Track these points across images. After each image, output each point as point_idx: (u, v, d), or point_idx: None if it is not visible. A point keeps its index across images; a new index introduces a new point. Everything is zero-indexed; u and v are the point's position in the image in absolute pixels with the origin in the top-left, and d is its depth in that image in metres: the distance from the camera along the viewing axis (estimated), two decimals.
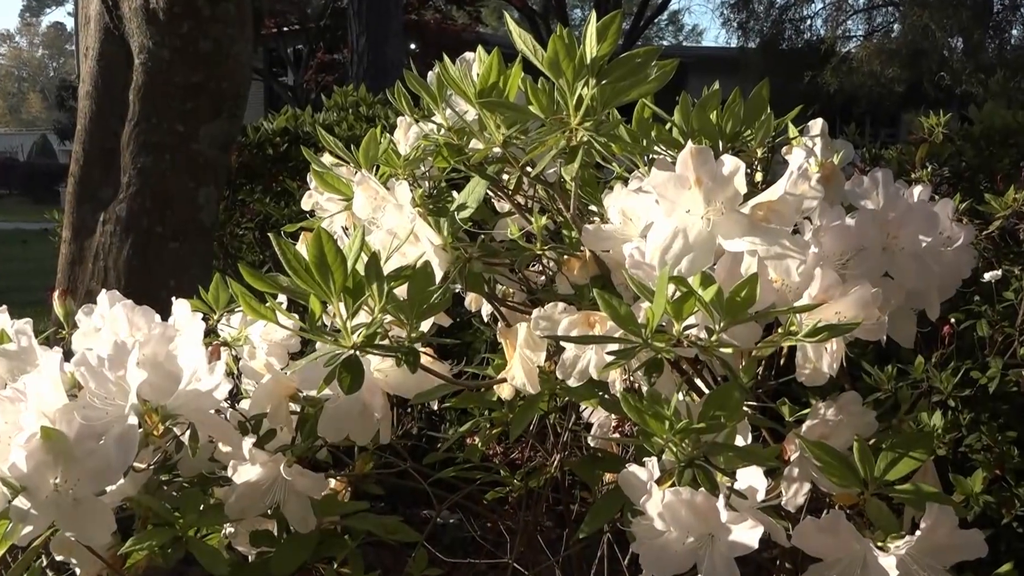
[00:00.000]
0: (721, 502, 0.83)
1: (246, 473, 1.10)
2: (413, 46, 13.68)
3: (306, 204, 1.42)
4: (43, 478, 0.88)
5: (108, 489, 0.95)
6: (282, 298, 1.13)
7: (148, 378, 0.94)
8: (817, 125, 1.25)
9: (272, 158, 3.19)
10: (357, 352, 0.90)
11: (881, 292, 0.92)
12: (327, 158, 1.36)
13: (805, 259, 0.92)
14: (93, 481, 0.90)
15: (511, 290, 1.34)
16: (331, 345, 0.90)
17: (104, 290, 1.14)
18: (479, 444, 1.38)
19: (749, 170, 1.15)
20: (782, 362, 1.10)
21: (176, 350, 1.03)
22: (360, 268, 0.90)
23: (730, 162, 0.86)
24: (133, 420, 0.91)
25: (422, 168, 1.27)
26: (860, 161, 2.53)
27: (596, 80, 0.95)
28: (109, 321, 1.08)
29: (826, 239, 0.96)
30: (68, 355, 1.01)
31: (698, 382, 1.07)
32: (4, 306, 1.19)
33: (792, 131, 1.26)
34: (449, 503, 1.41)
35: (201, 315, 1.16)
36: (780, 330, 0.92)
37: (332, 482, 1.29)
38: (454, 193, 1.20)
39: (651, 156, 1.11)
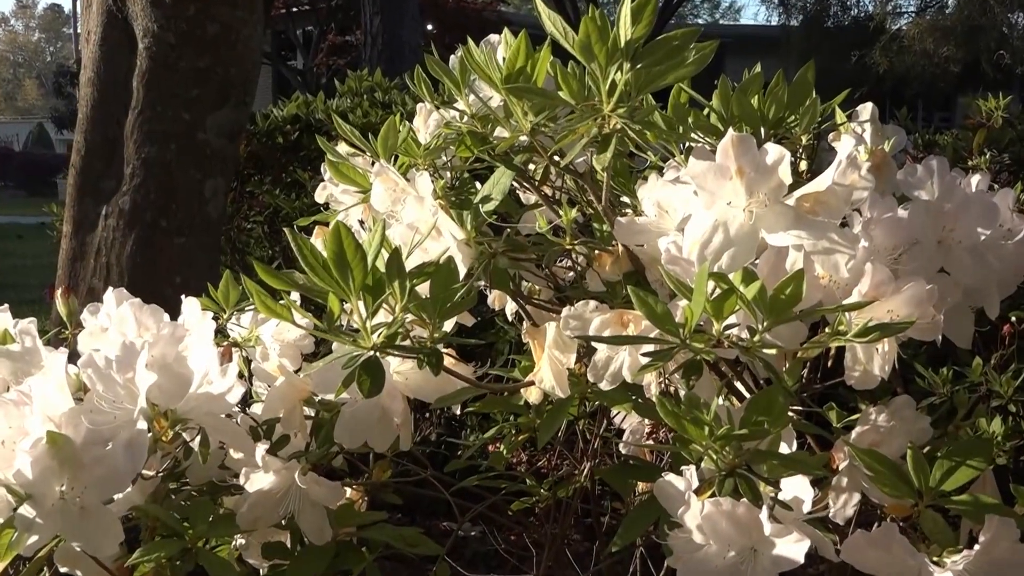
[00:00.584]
0: (764, 513, 0.83)
1: (259, 481, 1.11)
2: (430, 27, 13.71)
3: (320, 196, 1.43)
4: (49, 485, 0.89)
5: (116, 497, 0.96)
6: (294, 296, 1.14)
7: (157, 381, 0.95)
8: (866, 109, 1.25)
9: (282, 147, 3.21)
10: (377, 353, 0.91)
11: (936, 289, 0.92)
12: (342, 147, 1.37)
13: (854, 254, 0.92)
14: (101, 489, 0.91)
15: (537, 287, 1.35)
16: (350, 346, 0.91)
17: (105, 287, 1.15)
18: (504, 451, 1.38)
19: (794, 159, 1.16)
20: (829, 364, 1.10)
21: (186, 351, 1.04)
22: (380, 265, 0.90)
23: (774, 150, 0.86)
24: (142, 425, 0.92)
25: (443, 158, 1.27)
26: (913, 148, 2.52)
27: (630, 64, 0.95)
28: (116, 321, 1.10)
29: (877, 232, 0.96)
30: (73, 356, 1.03)
31: (739, 386, 1.08)
32: (6, 305, 1.21)
33: (839, 116, 1.26)
34: (472, 514, 1.42)
35: (211, 314, 1.17)
36: (827, 330, 0.92)
37: (348, 491, 1.30)
38: (477, 184, 1.21)
39: (688, 144, 1.11)
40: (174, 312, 1.15)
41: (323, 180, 1.40)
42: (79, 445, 0.91)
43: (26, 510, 0.89)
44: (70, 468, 0.90)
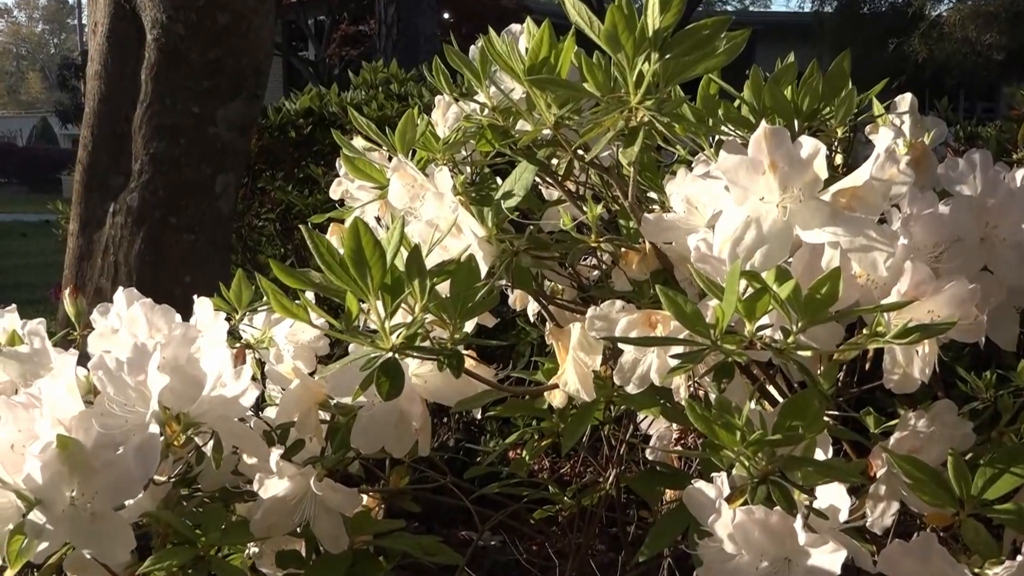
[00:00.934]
0: (799, 522, 0.83)
1: (273, 487, 1.12)
2: (446, 16, 13.73)
3: (335, 192, 1.44)
4: (59, 491, 0.90)
5: (127, 503, 0.98)
6: (309, 295, 1.16)
7: (169, 383, 0.97)
8: (905, 100, 1.25)
9: (295, 142, 3.23)
10: (395, 355, 0.92)
11: (979, 288, 0.92)
12: (358, 142, 1.38)
13: (893, 251, 0.92)
14: (112, 494, 0.93)
15: (560, 287, 1.35)
16: (368, 347, 0.92)
17: (113, 287, 1.17)
18: (526, 457, 1.39)
19: (829, 152, 1.16)
20: (867, 367, 1.10)
21: (198, 353, 1.06)
22: (399, 263, 0.91)
23: (808, 144, 0.87)
24: (154, 428, 0.94)
25: (463, 152, 1.28)
26: (954, 140, 2.50)
27: (659, 54, 0.95)
28: (127, 321, 1.11)
29: (917, 229, 0.96)
30: (81, 358, 1.05)
31: (771, 389, 1.08)
32: (13, 305, 1.23)
33: (877, 107, 1.26)
34: (493, 522, 1.43)
35: (224, 315, 1.18)
36: (865, 331, 0.92)
37: (364, 498, 1.31)
38: (498, 180, 1.22)
39: (718, 137, 1.12)
40: (184, 312, 1.17)
41: (337, 176, 1.41)
42: (90, 449, 0.92)
43: (36, 516, 0.90)
44: (80, 473, 0.91)
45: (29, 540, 0.90)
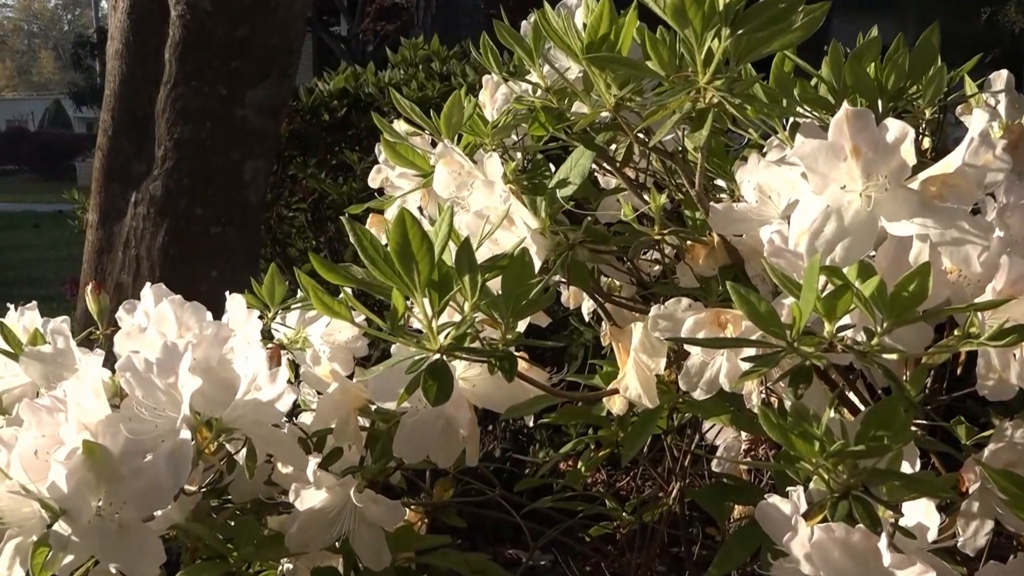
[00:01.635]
0: (884, 541, 0.83)
1: (310, 499, 1.14)
2: None
3: (374, 180, 1.46)
4: (85, 500, 0.92)
5: (156, 514, 1.00)
6: (348, 291, 1.17)
7: (200, 386, 0.98)
8: (1001, 78, 1.24)
9: (328, 125, 3.25)
10: (443, 356, 0.93)
11: None
12: (400, 125, 1.39)
13: (988, 245, 0.92)
14: (140, 504, 0.95)
15: (618, 283, 1.36)
16: (414, 348, 0.93)
17: (135, 282, 1.19)
18: (582, 469, 1.40)
19: (917, 136, 1.15)
20: (958, 372, 1.09)
21: (231, 353, 1.08)
22: (447, 258, 0.92)
23: (895, 127, 0.86)
24: (186, 434, 0.95)
25: (513, 137, 1.29)
26: None
27: (730, 30, 0.95)
28: (155, 320, 1.14)
29: (1014, 220, 0.95)
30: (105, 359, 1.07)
31: (852, 396, 1.08)
32: (34, 302, 1.26)
33: (969, 86, 1.25)
34: (545, 540, 1.44)
35: (257, 313, 1.20)
36: (957, 332, 0.91)
37: (407, 511, 1.33)
38: (551, 167, 1.22)
39: (794, 120, 1.11)
40: (211, 310, 1.19)
41: (375, 162, 1.43)
42: (117, 456, 0.94)
43: (61, 527, 0.92)
44: (107, 481, 0.93)
45: (54, 553, 0.92)
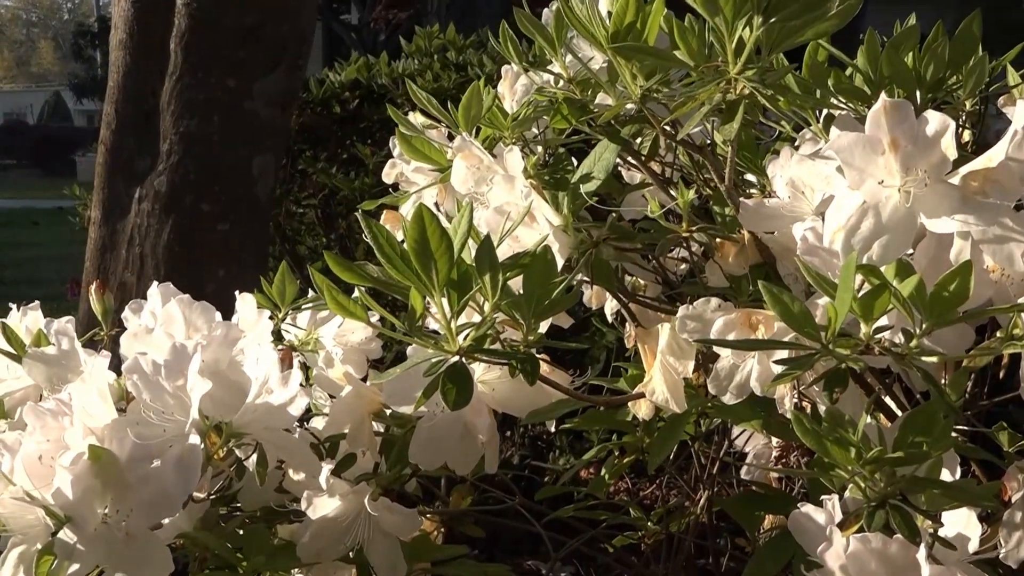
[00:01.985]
0: (922, 552, 0.83)
1: (323, 507, 1.15)
2: None
3: (388, 175, 1.46)
4: (91, 507, 0.93)
5: (164, 522, 1.00)
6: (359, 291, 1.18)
7: (209, 389, 0.99)
8: None
9: (339, 118, 3.26)
10: (463, 359, 0.94)
11: None
12: (416, 118, 1.40)
13: None
14: (148, 512, 0.95)
15: (643, 282, 1.36)
16: (432, 350, 0.94)
17: (139, 281, 1.20)
18: (605, 476, 1.40)
19: (957, 128, 1.15)
20: (1000, 375, 1.09)
21: (241, 355, 1.08)
22: (466, 256, 0.93)
23: (935, 119, 0.86)
24: (195, 439, 0.96)
25: (534, 130, 1.29)
26: None
27: (762, 18, 0.95)
28: (162, 320, 1.14)
29: None
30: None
31: (889, 401, 1.07)
32: (36, 302, 1.27)
33: (1012, 76, 1.24)
34: (566, 551, 1.44)
35: (267, 313, 1.21)
36: (999, 334, 0.91)
37: (423, 520, 1.33)
38: (573, 160, 1.22)
39: (829, 112, 1.11)
40: (218, 310, 1.19)
41: (388, 156, 1.43)
42: (124, 462, 0.95)
43: (66, 535, 0.93)
44: (114, 488, 0.94)
45: (59, 561, 0.93)
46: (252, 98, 2.60)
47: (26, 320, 1.26)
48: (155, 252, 2.57)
